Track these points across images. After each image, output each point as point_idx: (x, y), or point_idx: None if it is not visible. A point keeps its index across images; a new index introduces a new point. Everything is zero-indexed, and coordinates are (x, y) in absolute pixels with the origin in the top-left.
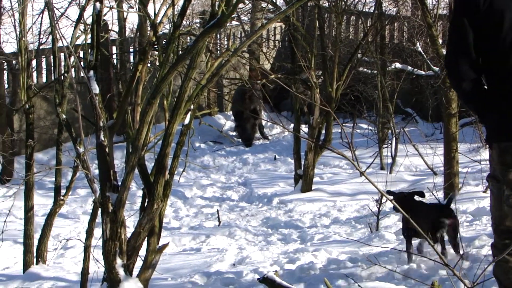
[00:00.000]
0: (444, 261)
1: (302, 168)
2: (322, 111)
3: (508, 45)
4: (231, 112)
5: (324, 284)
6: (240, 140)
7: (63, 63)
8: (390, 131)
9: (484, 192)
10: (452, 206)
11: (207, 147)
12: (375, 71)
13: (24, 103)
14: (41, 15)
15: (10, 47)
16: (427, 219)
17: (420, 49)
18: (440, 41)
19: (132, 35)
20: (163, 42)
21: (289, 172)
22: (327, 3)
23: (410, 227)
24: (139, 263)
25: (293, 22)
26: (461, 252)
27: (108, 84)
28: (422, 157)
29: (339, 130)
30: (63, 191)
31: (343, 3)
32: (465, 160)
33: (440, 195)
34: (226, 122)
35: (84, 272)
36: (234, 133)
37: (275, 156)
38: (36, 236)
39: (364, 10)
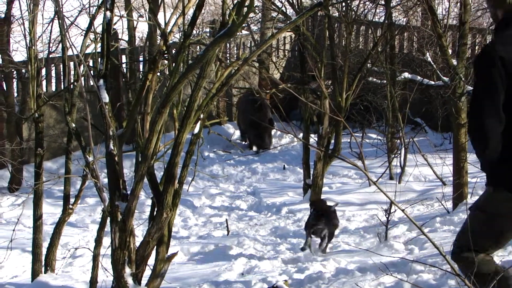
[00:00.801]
0: (454, 271)
1: (311, 177)
2: (331, 121)
3: None
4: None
5: None
6: (252, 149)
7: (72, 72)
8: (399, 141)
9: None
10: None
11: (216, 156)
12: (385, 81)
13: (34, 111)
14: (51, 24)
15: (20, 56)
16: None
17: (429, 59)
18: (450, 51)
19: (142, 44)
20: (173, 51)
21: (298, 182)
22: (337, 13)
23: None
24: (147, 272)
25: (303, 31)
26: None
27: (118, 93)
28: (431, 167)
29: (348, 140)
30: (72, 200)
31: (353, 13)
32: (474, 170)
33: (449, 205)
34: (235, 131)
35: (93, 281)
36: (243, 142)
37: (284, 165)
38: (45, 245)
39: (374, 20)
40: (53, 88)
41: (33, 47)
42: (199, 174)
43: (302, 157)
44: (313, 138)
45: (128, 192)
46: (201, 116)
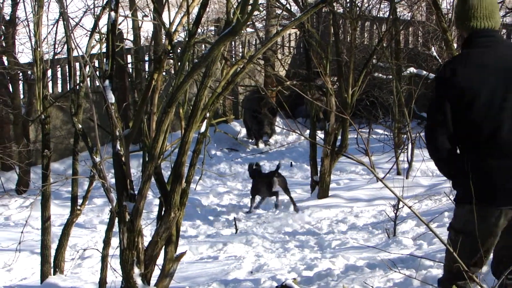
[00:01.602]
0: (463, 267)
1: (319, 174)
2: (338, 117)
3: (480, 118)
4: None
5: None
6: (258, 146)
7: (78, 73)
8: (406, 136)
9: None
10: (280, 171)
11: (223, 155)
12: (391, 76)
13: (40, 113)
14: (56, 25)
15: (25, 58)
16: (266, 181)
17: (435, 53)
18: (455, 45)
19: (147, 44)
20: (178, 51)
21: (305, 179)
22: (342, 9)
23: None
24: (156, 272)
25: (308, 28)
26: (296, 206)
27: (124, 93)
28: None
29: (355, 136)
30: (79, 201)
31: (358, 9)
32: None
33: None
34: (242, 129)
35: (102, 282)
36: (250, 140)
37: (291, 162)
38: (53, 246)
39: (378, 15)
40: (59, 90)
41: (39, 49)
42: (206, 172)
43: (309, 154)
44: (318, 136)
45: (136, 192)
46: (207, 114)
